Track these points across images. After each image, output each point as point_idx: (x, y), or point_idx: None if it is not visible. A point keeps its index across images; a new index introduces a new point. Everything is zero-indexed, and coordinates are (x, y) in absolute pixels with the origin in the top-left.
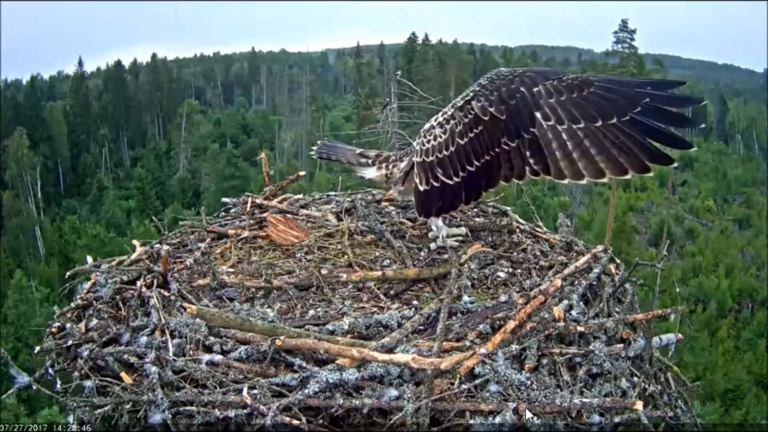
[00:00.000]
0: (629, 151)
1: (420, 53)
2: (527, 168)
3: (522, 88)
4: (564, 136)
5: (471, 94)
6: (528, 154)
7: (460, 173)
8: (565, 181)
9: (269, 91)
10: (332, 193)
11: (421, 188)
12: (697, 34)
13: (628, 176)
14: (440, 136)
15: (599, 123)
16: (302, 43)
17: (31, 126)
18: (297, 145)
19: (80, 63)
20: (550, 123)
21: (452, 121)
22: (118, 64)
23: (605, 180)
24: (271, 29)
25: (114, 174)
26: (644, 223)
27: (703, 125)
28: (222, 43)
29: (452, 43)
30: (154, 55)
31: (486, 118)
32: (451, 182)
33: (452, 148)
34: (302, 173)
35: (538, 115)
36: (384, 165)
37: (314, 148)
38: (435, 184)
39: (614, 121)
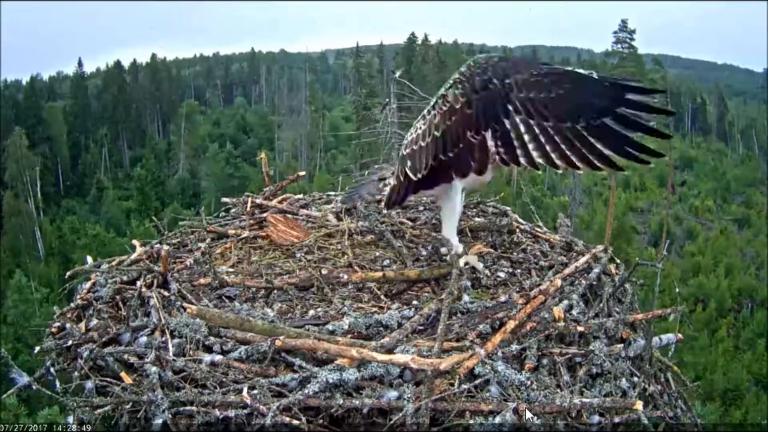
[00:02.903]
0: (598, 153)
1: (420, 53)
2: (497, 157)
3: (495, 79)
4: (536, 129)
5: (449, 84)
6: (499, 143)
7: (431, 163)
8: (539, 171)
9: (269, 92)
10: (332, 193)
11: (402, 178)
12: (697, 34)
13: (602, 170)
14: (421, 128)
15: (568, 124)
16: (302, 43)
17: (30, 126)
18: (296, 145)
19: (80, 63)
20: (521, 117)
21: (432, 112)
22: (118, 64)
23: (579, 172)
24: (271, 29)
25: (114, 174)
26: (644, 223)
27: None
28: (222, 43)
29: (452, 43)
30: (153, 55)
31: (458, 107)
32: (424, 173)
33: (428, 139)
34: (302, 173)
35: (509, 107)
36: None
37: (338, 198)
38: (411, 175)
39: (583, 124)
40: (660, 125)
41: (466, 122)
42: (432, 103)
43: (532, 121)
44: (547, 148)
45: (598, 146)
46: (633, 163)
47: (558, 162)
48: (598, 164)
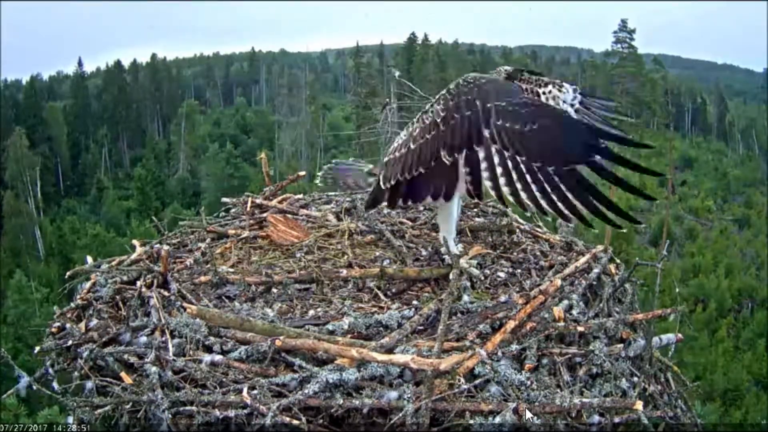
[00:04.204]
0: (568, 203)
1: (420, 53)
2: (464, 186)
3: (478, 101)
4: (509, 163)
5: (435, 99)
6: (468, 170)
7: (402, 176)
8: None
9: (269, 91)
10: (332, 193)
11: (383, 186)
12: (697, 34)
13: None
14: (402, 138)
15: (539, 163)
16: (302, 43)
17: (30, 126)
18: (296, 145)
19: (80, 63)
20: (496, 147)
21: (415, 124)
22: (118, 64)
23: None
24: (271, 29)
25: (114, 174)
26: (644, 223)
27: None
28: (222, 43)
29: (452, 43)
30: (153, 55)
31: (437, 123)
32: (392, 183)
33: (403, 150)
34: (302, 173)
35: (486, 133)
36: None
37: (319, 174)
38: (381, 184)
39: (553, 168)
40: (660, 125)
41: (442, 140)
42: (417, 116)
43: (506, 153)
44: (518, 186)
45: (569, 195)
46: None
47: (526, 201)
48: (567, 213)
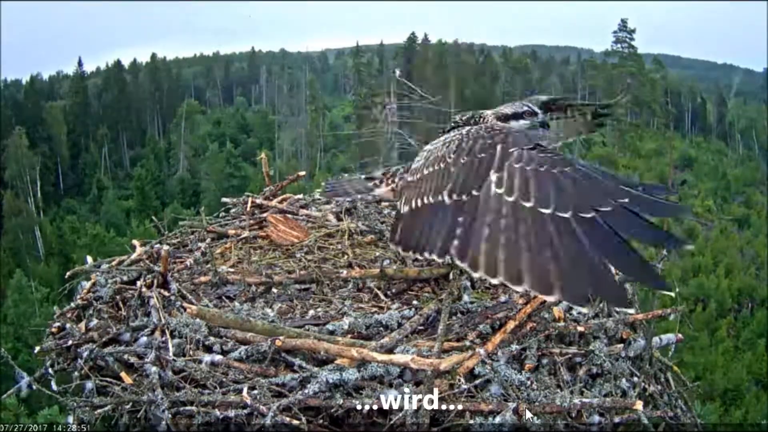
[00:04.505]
0: (572, 263)
1: (420, 53)
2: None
3: (498, 146)
4: (508, 219)
5: (452, 136)
6: (459, 220)
7: (418, 204)
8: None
9: (269, 91)
10: None
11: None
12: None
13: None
14: (418, 161)
15: (551, 209)
16: (302, 43)
17: (30, 126)
18: (296, 145)
19: (80, 63)
20: (499, 191)
21: (429, 149)
22: (118, 64)
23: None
24: (271, 29)
25: (114, 174)
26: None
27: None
28: (222, 43)
29: (452, 43)
30: (153, 55)
31: (446, 162)
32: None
33: (417, 176)
34: (302, 173)
35: (493, 177)
36: (392, 180)
37: (317, 192)
38: (401, 209)
39: (570, 213)
40: (660, 125)
41: (445, 179)
42: (433, 143)
43: (509, 198)
44: (502, 251)
45: (595, 244)
46: (633, 161)
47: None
48: (585, 280)
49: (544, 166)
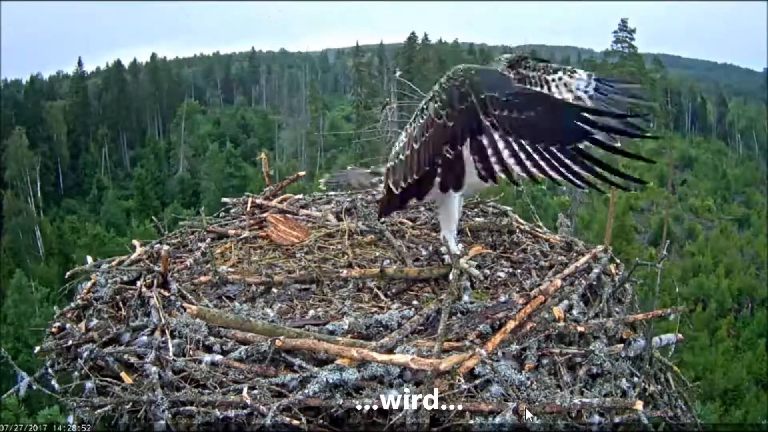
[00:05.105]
0: (574, 173)
1: (420, 53)
2: (475, 171)
3: (472, 94)
4: (514, 146)
5: (429, 96)
6: (476, 158)
7: (412, 178)
8: (518, 186)
9: (269, 91)
10: (332, 193)
11: (386, 191)
12: (697, 34)
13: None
14: (402, 141)
15: (542, 144)
16: (302, 43)
17: (30, 126)
18: (296, 145)
19: (80, 63)
20: (499, 133)
21: (413, 125)
22: (118, 64)
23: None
24: (271, 29)
25: (114, 174)
26: (644, 222)
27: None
28: (222, 43)
29: (452, 43)
30: (153, 55)
31: (436, 121)
32: (404, 186)
33: (407, 152)
34: (302, 173)
35: (486, 122)
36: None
37: (321, 181)
38: (393, 189)
39: (557, 146)
40: (660, 125)
41: (443, 136)
42: (413, 116)
43: (510, 138)
44: (527, 163)
45: (575, 168)
46: (633, 162)
47: (538, 175)
48: (577, 182)
49: (522, 111)
